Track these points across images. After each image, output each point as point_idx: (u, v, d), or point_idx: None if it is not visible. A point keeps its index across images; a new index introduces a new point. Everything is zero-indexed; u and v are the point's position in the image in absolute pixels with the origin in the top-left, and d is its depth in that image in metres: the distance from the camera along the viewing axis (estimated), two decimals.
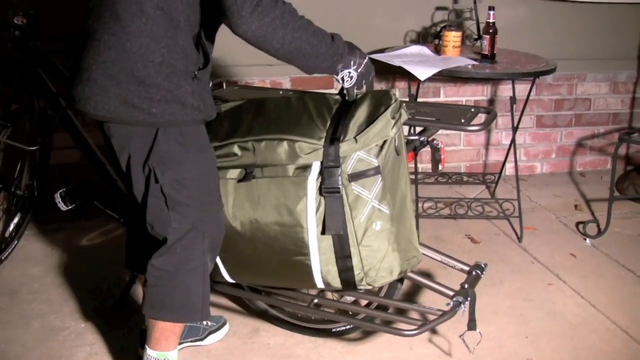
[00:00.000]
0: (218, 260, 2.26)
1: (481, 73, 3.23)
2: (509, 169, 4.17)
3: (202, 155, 2.08)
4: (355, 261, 2.09)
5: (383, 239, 2.08)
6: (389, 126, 2.05)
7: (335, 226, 2.05)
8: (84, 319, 2.73)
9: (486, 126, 2.13)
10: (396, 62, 3.31)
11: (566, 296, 2.97)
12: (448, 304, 2.26)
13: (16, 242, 3.25)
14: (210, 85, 2.28)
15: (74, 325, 2.69)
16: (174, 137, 2.00)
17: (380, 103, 2.09)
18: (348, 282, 2.14)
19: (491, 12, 3.40)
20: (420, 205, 3.61)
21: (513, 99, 3.52)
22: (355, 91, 2.12)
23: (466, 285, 2.31)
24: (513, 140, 3.62)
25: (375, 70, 2.17)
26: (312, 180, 2.05)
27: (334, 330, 2.59)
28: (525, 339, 2.66)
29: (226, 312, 2.78)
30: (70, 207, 2.77)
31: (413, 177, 3.80)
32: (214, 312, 2.73)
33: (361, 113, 2.08)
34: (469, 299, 2.26)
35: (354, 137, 2.02)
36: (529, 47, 3.91)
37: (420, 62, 3.31)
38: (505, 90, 4.24)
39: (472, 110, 2.22)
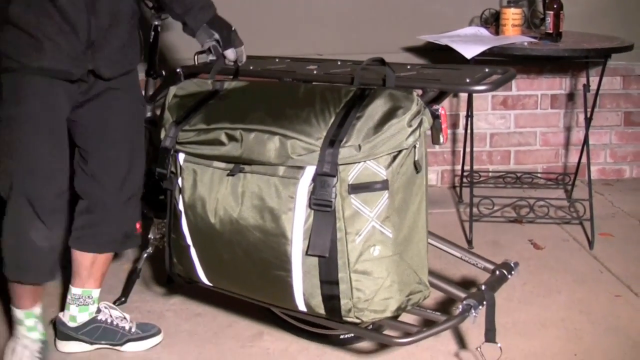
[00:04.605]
0: (195, 259, 1.99)
1: (537, 50, 2.81)
2: (593, 171, 3.68)
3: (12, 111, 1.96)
4: (343, 288, 1.75)
5: (381, 268, 1.73)
6: (404, 135, 1.69)
7: (320, 247, 1.71)
8: None
9: (495, 87, 1.74)
10: (443, 41, 2.96)
11: (635, 310, 2.50)
12: (457, 308, 1.87)
13: None
14: None
15: None
16: None
17: (398, 105, 1.72)
18: (333, 310, 1.80)
19: None
20: (475, 207, 3.18)
21: (587, 87, 3.07)
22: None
23: (483, 287, 1.91)
24: (586, 136, 3.14)
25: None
26: (304, 186, 1.73)
27: (342, 337, 2.25)
28: (573, 357, 2.22)
29: (231, 313, 2.49)
30: None
31: (467, 175, 3.40)
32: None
33: (374, 111, 1.72)
34: (484, 303, 1.87)
35: (359, 144, 1.68)
36: (610, 32, 3.43)
37: (470, 42, 2.93)
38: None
39: (486, 70, 1.84)
